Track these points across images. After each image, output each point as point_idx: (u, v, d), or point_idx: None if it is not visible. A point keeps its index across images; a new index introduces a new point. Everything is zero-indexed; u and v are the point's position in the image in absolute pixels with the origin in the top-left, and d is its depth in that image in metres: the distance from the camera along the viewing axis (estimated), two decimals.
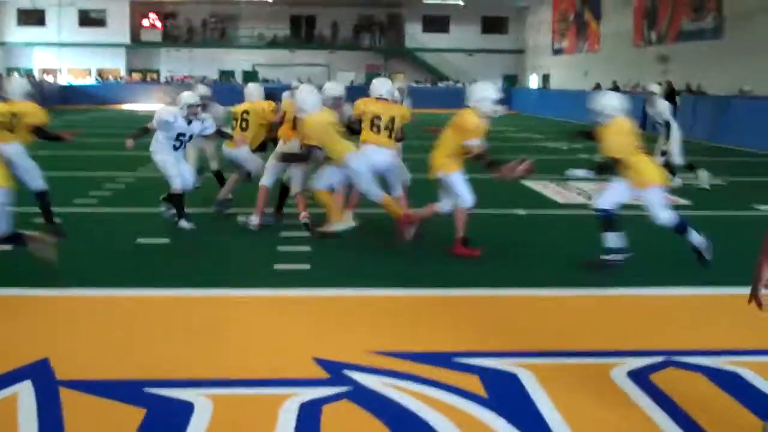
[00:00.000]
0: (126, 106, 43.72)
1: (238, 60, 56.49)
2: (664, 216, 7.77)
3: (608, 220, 7.88)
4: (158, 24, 57.08)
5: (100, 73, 55.24)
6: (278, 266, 7.84)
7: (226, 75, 55.74)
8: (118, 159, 16.81)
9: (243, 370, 5.07)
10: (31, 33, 56.01)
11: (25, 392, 4.67)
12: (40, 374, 4.94)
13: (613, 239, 7.86)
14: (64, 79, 52.97)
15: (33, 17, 56.21)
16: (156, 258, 8.28)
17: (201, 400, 4.57)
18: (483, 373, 5.05)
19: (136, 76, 55.80)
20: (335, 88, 9.70)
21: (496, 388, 4.81)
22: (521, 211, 11.11)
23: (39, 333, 5.77)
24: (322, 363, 5.19)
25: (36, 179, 9.19)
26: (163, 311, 6.39)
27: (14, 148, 9.05)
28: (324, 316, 6.29)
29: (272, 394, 4.70)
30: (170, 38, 57.36)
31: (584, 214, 10.33)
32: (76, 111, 38.92)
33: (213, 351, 5.43)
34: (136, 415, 4.38)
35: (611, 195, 7.91)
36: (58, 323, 6.03)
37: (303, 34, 57.50)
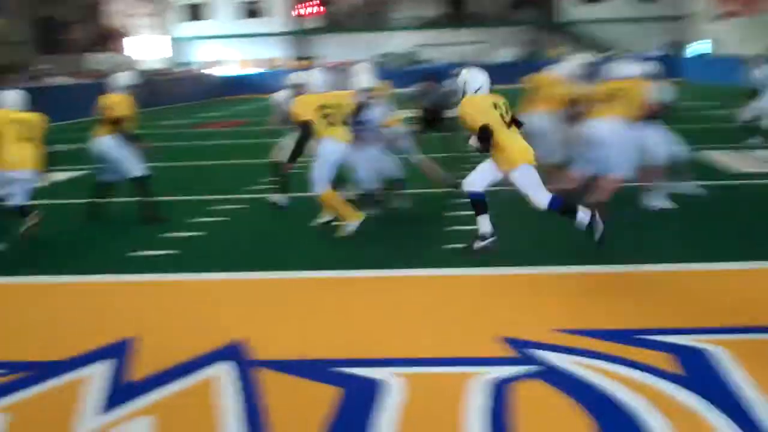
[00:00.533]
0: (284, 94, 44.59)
1: (396, 42, 56.84)
2: (538, 197, 7.30)
3: (479, 203, 7.54)
4: (318, 11, 58.12)
5: (263, 62, 56.66)
6: (447, 246, 7.87)
7: (386, 57, 56.15)
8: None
9: (429, 349, 5.14)
10: (195, 27, 58.28)
11: (227, 371, 4.88)
12: (240, 354, 5.16)
13: (484, 223, 7.53)
14: (229, 71, 54.66)
15: (198, 12, 58.45)
16: (341, 242, 8.45)
17: (393, 378, 4.66)
18: (675, 350, 4.94)
19: (298, 63, 57.00)
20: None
21: (691, 366, 4.70)
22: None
23: (239, 315, 6.05)
24: (509, 341, 5.20)
25: (130, 169, 9.56)
26: (347, 292, 6.55)
27: (103, 142, 9.51)
28: (504, 295, 6.29)
29: (461, 372, 4.75)
30: (332, 25, 58.34)
31: (761, 183, 9.91)
32: (241, 101, 40.17)
33: (398, 330, 5.53)
34: (332, 393, 4.52)
35: (480, 177, 7.49)
36: (256, 305, 6.29)
37: (459, 12, 57.26)
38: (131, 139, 9.64)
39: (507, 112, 7.40)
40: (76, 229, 9.51)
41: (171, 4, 58.51)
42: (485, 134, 7.15)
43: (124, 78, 9.95)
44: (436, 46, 54.64)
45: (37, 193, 9.46)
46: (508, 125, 7.36)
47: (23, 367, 5.09)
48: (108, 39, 51.14)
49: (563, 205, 7.29)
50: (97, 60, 46.62)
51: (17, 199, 8.68)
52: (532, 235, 8.28)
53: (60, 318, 6.16)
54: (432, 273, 7.01)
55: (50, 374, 4.95)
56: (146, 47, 55.81)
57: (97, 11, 52.13)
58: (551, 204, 7.26)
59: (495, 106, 7.37)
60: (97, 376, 4.89)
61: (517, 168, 7.23)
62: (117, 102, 9.58)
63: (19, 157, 8.64)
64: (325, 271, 7.18)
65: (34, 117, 8.94)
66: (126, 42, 53.63)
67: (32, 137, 8.82)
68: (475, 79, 7.60)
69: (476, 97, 7.46)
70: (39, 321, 6.09)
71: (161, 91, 39.83)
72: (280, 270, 7.25)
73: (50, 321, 6.09)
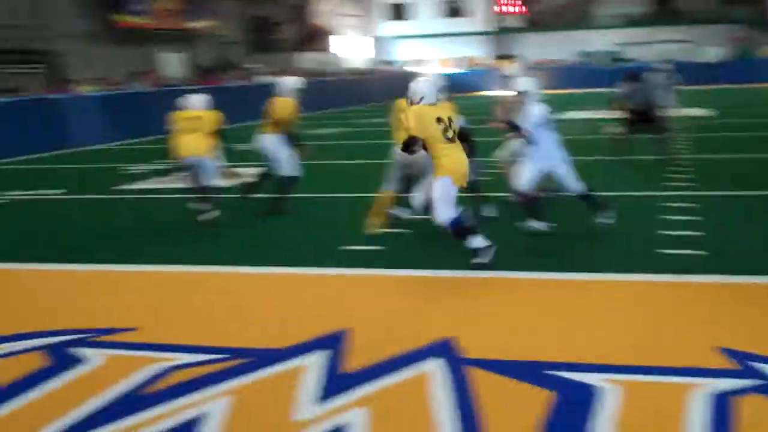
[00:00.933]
0: (491, 93, 44.71)
1: (598, 40, 55.71)
2: (441, 211, 7.30)
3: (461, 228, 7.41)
4: (519, 9, 57.84)
5: (466, 61, 56.83)
6: (658, 250, 7.64)
7: (588, 56, 55.22)
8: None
9: (644, 356, 5.00)
10: (398, 27, 59.27)
11: (438, 368, 4.94)
12: (452, 351, 5.21)
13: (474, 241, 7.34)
14: (430, 69, 55.19)
15: (401, 11, 59.41)
16: (544, 242, 8.39)
17: (606, 385, 4.58)
18: None
19: (500, 62, 56.92)
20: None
21: None
22: None
23: (448, 312, 6.10)
24: (729, 352, 5.00)
25: (282, 168, 10.28)
26: (553, 294, 6.48)
27: (266, 140, 10.33)
28: (719, 304, 6.05)
29: (679, 382, 4.60)
30: (534, 23, 57.92)
31: None
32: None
33: (608, 334, 5.42)
34: (545, 396, 4.48)
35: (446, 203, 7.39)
36: (465, 304, 6.33)
37: (665, 9, 55.48)
38: (293, 139, 10.34)
39: (451, 126, 7.40)
40: (282, 223, 9.87)
41: (375, 3, 59.75)
42: (410, 143, 7.29)
43: (291, 82, 10.61)
44: (639, 44, 53.13)
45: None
46: (451, 139, 7.36)
47: (246, 353, 5.32)
48: (315, 38, 52.72)
49: (462, 228, 7.35)
50: (306, 59, 48.17)
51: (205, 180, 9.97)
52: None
53: (280, 307, 6.41)
54: (637, 278, 6.82)
55: (271, 361, 5.16)
56: (351, 46, 57.19)
57: (306, 11, 53.83)
58: (451, 223, 7.33)
59: (439, 119, 7.35)
60: (315, 365, 5.06)
61: (440, 178, 7.29)
62: (281, 104, 10.30)
63: (189, 145, 9.90)
64: (529, 272, 7.13)
65: (207, 113, 10.10)
66: (333, 41, 55.14)
67: (204, 130, 9.97)
68: (418, 90, 7.72)
69: (423, 108, 7.45)
70: (260, 309, 6.37)
71: (366, 89, 40.74)
72: (487, 270, 7.25)
73: (271, 309, 6.36)
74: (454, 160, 7.34)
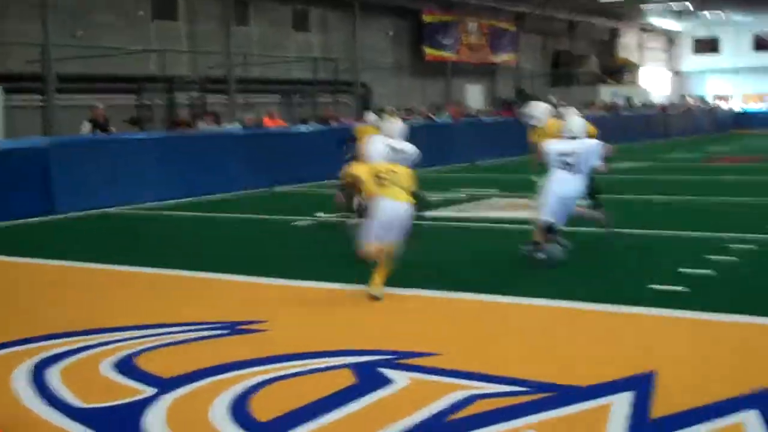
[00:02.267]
0: None
1: None
2: None
3: None
4: None
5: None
6: None
7: None
8: None
9: None
10: (704, 60, 57.11)
11: (752, 421, 4.60)
12: (644, 387, 4.97)
13: None
14: (737, 105, 52.66)
15: (707, 45, 57.23)
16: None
17: None
18: None
19: None
20: None
21: None
22: None
23: (759, 362, 5.73)
24: None
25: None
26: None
27: None
28: None
29: None
30: None
31: None
32: (752, 136, 38.44)
33: None
34: None
35: None
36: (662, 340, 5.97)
37: None
38: None
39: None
40: (589, 257, 9.71)
41: (682, 36, 57.98)
42: None
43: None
44: None
45: None
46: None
47: (547, 388, 5.24)
48: (620, 72, 51.91)
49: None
50: (609, 92, 47.53)
51: None
52: None
53: (580, 342, 6.30)
54: None
55: (573, 399, 5.04)
56: (654, 80, 55.77)
57: (611, 44, 53.18)
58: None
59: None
60: (619, 407, 4.88)
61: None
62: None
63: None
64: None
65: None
66: (640, 74, 54.09)
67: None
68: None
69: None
70: (562, 344, 6.28)
71: (672, 123, 39.65)
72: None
73: (573, 345, 6.26)
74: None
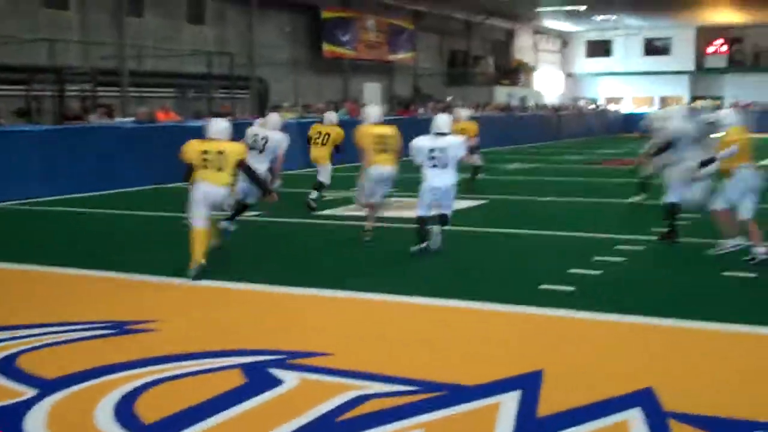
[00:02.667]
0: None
1: None
2: None
3: None
4: (723, 49, 55.88)
5: (662, 100, 55.32)
6: None
7: None
8: None
9: None
10: (597, 63, 58.56)
11: (635, 420, 4.72)
12: (652, 403, 4.97)
13: None
14: (626, 107, 54.12)
15: (599, 49, 58.67)
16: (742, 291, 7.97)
17: None
18: None
19: (698, 103, 55.22)
20: None
21: None
22: None
23: (642, 362, 5.85)
24: None
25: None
26: (736, 349, 6.11)
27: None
28: None
29: None
30: (735, 63, 55.80)
31: None
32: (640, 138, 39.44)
33: None
34: None
35: None
36: (659, 352, 6.08)
37: None
38: None
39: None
40: (480, 257, 9.83)
41: (575, 39, 59.29)
42: None
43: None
44: None
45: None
46: None
47: (437, 387, 5.27)
48: (515, 73, 52.76)
49: None
50: (504, 93, 48.26)
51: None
52: None
53: (471, 342, 6.36)
54: None
55: (462, 398, 5.07)
56: (548, 82, 56.86)
57: (507, 45, 53.96)
58: None
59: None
60: (508, 406, 4.94)
61: None
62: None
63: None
64: (734, 324, 6.73)
65: (390, 130, 10.97)
66: (533, 76, 55.07)
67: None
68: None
69: None
70: (453, 343, 6.33)
71: (564, 124, 40.51)
72: (679, 318, 6.91)
73: (463, 344, 6.31)
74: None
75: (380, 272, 9.08)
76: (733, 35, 55.70)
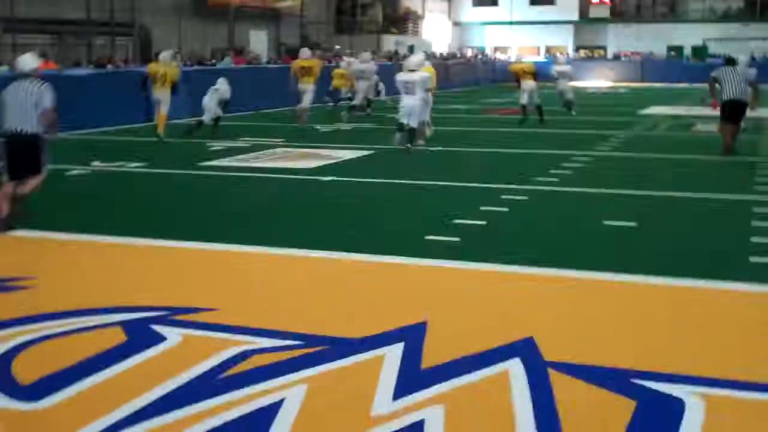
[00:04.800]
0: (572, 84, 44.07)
1: (686, 35, 54.43)
2: None
3: None
4: (607, 0, 57.01)
5: (548, 50, 56.12)
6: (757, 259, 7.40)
7: (675, 50, 54.11)
8: (579, 137, 17.13)
9: (734, 370, 4.82)
10: (484, 13, 58.96)
11: (515, 370, 4.83)
12: (531, 352, 5.09)
13: None
14: (513, 57, 54.77)
15: None
16: (621, 241, 8.21)
17: (692, 398, 4.42)
18: None
19: (583, 53, 56.34)
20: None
21: None
22: None
23: (524, 311, 5.98)
24: None
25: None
26: (640, 299, 6.32)
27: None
28: None
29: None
30: (618, 14, 57.01)
31: None
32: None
33: (699, 345, 5.26)
34: (625, 406, 4.34)
35: None
36: (540, 302, 6.22)
37: (758, 6, 53.92)
38: None
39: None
40: (364, 209, 9.87)
41: None
42: None
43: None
44: (729, 40, 51.73)
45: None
46: None
47: (322, 341, 5.28)
48: (403, 21, 52.70)
49: None
50: (393, 41, 48.24)
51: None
52: None
53: (356, 295, 6.39)
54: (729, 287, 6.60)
55: (346, 352, 5.10)
56: (436, 31, 57.00)
57: None
58: None
59: None
60: (391, 358, 4.99)
61: None
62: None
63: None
64: (612, 273, 6.92)
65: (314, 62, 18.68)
66: (421, 25, 55.11)
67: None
68: None
69: None
70: (338, 297, 6.35)
71: (452, 74, 40.71)
72: (560, 268, 7.08)
73: (348, 297, 6.34)
74: None
75: (266, 224, 9.01)
76: None
